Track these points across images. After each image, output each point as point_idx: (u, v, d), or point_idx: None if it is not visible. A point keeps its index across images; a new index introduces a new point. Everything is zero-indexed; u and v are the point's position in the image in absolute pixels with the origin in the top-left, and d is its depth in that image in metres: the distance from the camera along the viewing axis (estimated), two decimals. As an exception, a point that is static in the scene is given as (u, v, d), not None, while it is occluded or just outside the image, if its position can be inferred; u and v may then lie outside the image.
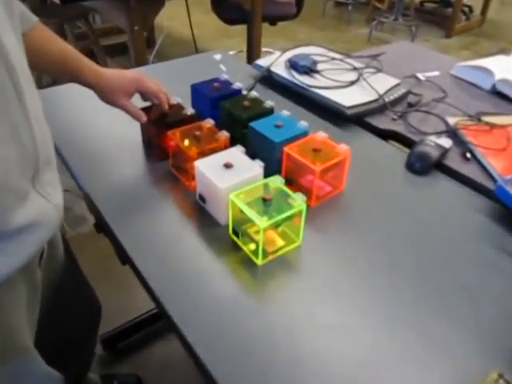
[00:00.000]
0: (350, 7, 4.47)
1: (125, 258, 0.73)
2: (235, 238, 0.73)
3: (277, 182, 0.72)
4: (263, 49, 2.92)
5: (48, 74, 0.83)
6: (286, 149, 0.81)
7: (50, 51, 0.80)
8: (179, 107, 0.93)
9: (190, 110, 0.92)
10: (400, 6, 4.00)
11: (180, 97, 1.00)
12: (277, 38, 3.86)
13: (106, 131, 1.00)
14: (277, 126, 0.86)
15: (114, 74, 0.85)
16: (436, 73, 1.31)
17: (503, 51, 3.58)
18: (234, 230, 0.72)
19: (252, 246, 0.70)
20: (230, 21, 2.80)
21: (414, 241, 0.75)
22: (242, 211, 0.67)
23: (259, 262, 0.69)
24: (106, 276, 1.56)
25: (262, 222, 0.64)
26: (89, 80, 0.83)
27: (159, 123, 0.89)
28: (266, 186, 0.72)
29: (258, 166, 0.75)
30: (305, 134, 0.86)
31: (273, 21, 2.94)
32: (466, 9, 4.42)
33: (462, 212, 0.82)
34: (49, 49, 0.80)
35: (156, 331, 1.51)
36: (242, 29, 2.67)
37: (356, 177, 0.88)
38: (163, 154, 0.88)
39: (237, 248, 0.72)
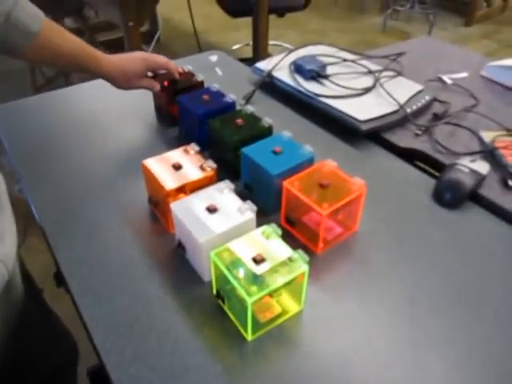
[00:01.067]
0: (363, -5, 4.25)
1: (84, 325, 0.59)
2: (220, 303, 0.58)
3: (272, 232, 0.57)
4: (271, 42, 2.73)
5: (59, 68, 0.79)
6: (286, 183, 0.65)
7: (61, 46, 0.77)
8: (189, 74, 0.94)
9: (200, 77, 0.93)
10: (417, -7, 3.78)
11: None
12: (286, 30, 3.66)
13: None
14: (275, 153, 0.70)
15: (123, 61, 0.85)
16: (464, 74, 1.14)
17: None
18: (218, 292, 0.58)
19: (240, 315, 0.55)
20: (234, 13, 2.62)
21: (444, 300, 0.59)
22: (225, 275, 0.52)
23: (249, 337, 0.54)
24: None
25: (249, 296, 0.49)
26: (104, 71, 0.83)
27: (169, 90, 0.90)
28: (258, 237, 0.57)
29: (249, 211, 0.60)
30: (310, 161, 0.70)
31: (280, 12, 2.75)
32: (486, -6, 4.16)
33: (505, 257, 0.66)
34: (60, 44, 0.77)
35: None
36: (250, 20, 2.49)
37: (372, 210, 0.72)
38: (173, 120, 0.91)
39: (222, 314, 0.58)
